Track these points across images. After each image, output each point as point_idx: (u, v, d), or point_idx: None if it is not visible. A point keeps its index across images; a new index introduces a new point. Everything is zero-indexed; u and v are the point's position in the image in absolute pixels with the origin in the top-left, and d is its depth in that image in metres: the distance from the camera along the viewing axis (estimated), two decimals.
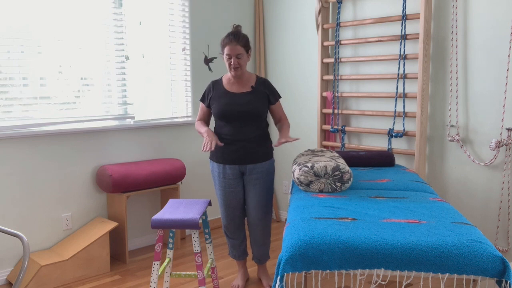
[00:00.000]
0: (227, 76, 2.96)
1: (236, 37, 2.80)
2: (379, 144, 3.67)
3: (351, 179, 2.53)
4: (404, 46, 3.34)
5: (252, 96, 2.90)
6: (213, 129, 3.01)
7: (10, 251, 3.16)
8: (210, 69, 4.21)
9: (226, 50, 2.80)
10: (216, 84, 2.97)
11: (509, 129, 2.94)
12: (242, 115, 2.86)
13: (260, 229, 3.03)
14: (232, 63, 2.80)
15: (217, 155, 2.96)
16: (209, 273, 2.83)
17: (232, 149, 2.90)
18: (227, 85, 2.94)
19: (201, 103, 3.03)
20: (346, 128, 3.78)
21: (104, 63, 3.55)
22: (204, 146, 2.73)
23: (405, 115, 3.39)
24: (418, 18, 3.24)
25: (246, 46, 2.83)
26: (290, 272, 1.82)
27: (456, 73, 3.18)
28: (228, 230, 3.09)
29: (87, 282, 3.19)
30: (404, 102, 3.39)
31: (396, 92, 3.42)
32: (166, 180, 3.66)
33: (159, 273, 2.63)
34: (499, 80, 2.98)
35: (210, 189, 4.31)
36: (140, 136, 3.77)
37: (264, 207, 2.99)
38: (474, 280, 1.80)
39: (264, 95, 2.93)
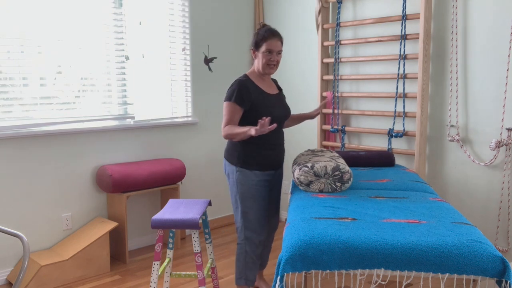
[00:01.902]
0: (254, 75, 2.68)
1: (277, 33, 2.61)
2: (379, 144, 3.67)
3: (351, 179, 2.53)
4: (404, 46, 3.34)
5: (283, 98, 2.83)
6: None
7: (10, 251, 3.16)
8: (210, 69, 4.21)
9: (267, 45, 2.56)
10: (250, 84, 2.62)
11: (509, 129, 2.94)
12: (284, 118, 2.75)
13: (273, 233, 3.02)
14: (272, 59, 2.59)
15: (255, 162, 2.66)
16: (209, 273, 2.83)
17: (274, 154, 2.73)
18: (261, 85, 2.67)
19: (235, 105, 2.56)
20: (346, 128, 3.78)
21: (104, 63, 3.55)
22: (261, 125, 2.32)
23: (405, 115, 3.39)
24: (418, 18, 3.24)
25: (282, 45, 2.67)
26: (290, 272, 1.82)
27: (456, 73, 3.18)
28: (259, 250, 2.74)
29: (87, 282, 3.19)
30: (404, 102, 3.39)
31: (396, 92, 3.42)
32: (166, 180, 3.66)
33: (159, 273, 2.63)
34: (499, 80, 2.98)
35: (210, 189, 4.31)
36: (140, 136, 3.77)
37: (279, 209, 2.99)
38: (474, 280, 1.80)
39: (284, 96, 2.90)
